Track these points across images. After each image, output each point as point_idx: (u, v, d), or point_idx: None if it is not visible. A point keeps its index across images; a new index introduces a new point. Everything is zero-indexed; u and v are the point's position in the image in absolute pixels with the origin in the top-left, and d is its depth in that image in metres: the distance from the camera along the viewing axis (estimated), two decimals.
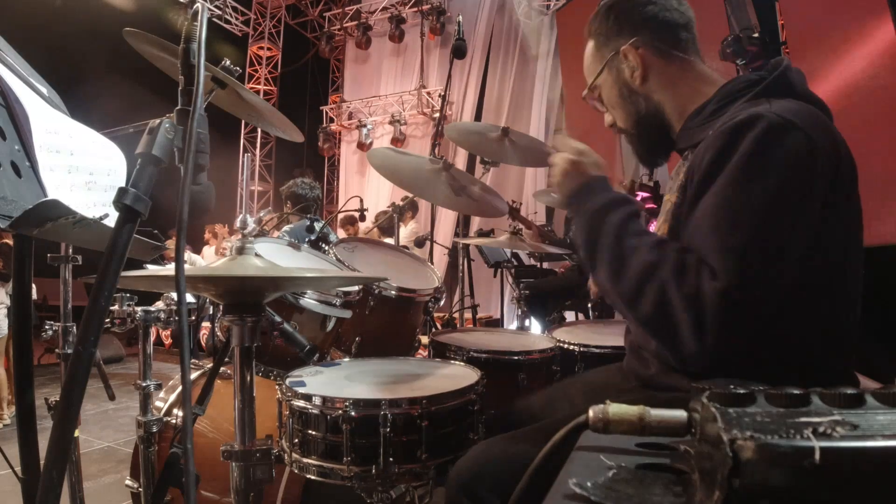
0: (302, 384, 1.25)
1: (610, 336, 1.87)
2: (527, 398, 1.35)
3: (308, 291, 1.55)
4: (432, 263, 2.47)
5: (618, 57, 1.12)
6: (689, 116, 1.08)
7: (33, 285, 0.98)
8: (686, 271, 0.85)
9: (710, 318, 0.81)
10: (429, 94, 8.84)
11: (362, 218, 3.52)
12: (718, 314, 0.81)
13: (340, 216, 5.78)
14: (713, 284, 0.82)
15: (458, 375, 1.36)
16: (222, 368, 1.59)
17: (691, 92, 1.09)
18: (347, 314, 1.63)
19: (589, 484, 0.44)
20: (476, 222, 6.57)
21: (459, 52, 2.52)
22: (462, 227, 3.82)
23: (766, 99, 0.95)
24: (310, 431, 1.17)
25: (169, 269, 0.96)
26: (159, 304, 1.51)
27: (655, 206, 3.28)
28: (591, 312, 3.61)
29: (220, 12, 9.24)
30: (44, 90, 0.91)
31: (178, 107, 0.71)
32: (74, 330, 1.52)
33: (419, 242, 4.01)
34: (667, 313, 0.85)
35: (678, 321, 0.83)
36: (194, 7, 0.70)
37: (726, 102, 1.02)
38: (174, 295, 1.76)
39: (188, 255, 7.53)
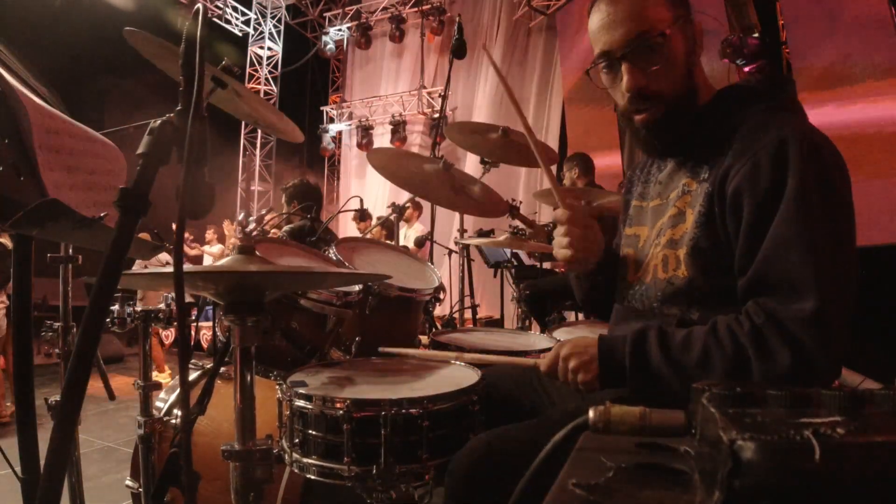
0: (302, 384, 1.25)
1: None
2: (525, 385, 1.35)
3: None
4: (432, 263, 2.47)
5: (687, 23, 1.02)
6: (688, 119, 1.04)
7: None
8: (765, 343, 0.86)
9: (815, 345, 0.83)
10: (429, 94, 8.84)
11: (363, 218, 3.52)
12: (823, 338, 0.84)
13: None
14: (805, 308, 0.84)
15: (458, 375, 1.36)
16: (222, 369, 1.58)
17: (705, 89, 1.07)
18: (348, 314, 1.63)
19: (589, 484, 0.44)
20: (476, 222, 6.57)
21: (459, 52, 2.52)
22: (461, 226, 3.81)
23: (784, 114, 0.98)
24: (310, 431, 1.17)
25: (168, 268, 0.96)
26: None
27: None
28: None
29: (220, 12, 9.24)
30: (43, 90, 0.91)
31: (179, 107, 0.71)
32: (74, 330, 1.52)
33: (419, 242, 4.01)
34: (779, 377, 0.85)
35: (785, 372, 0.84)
36: (194, 7, 0.70)
37: (728, 108, 1.03)
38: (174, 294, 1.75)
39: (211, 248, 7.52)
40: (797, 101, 1.05)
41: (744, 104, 1.02)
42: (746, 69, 4.73)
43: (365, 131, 9.29)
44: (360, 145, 9.35)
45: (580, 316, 3.89)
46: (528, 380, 1.31)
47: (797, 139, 0.90)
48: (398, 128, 8.87)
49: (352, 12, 9.58)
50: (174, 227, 0.65)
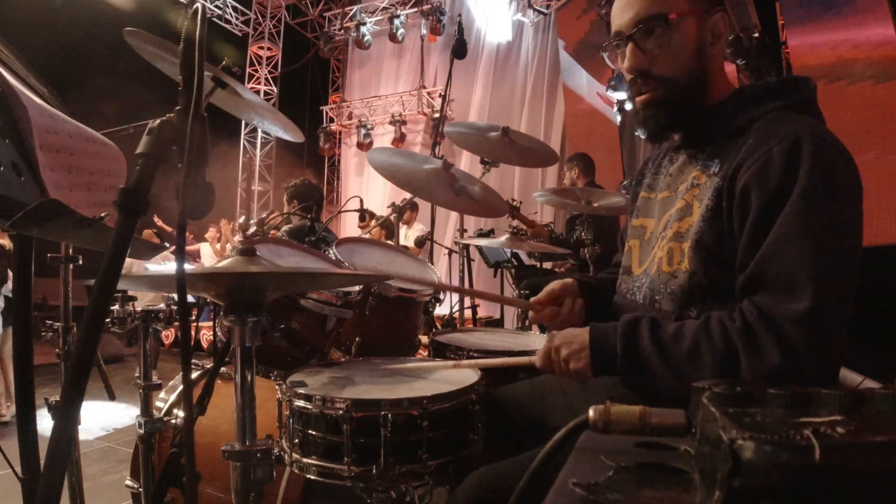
0: (302, 384, 1.25)
1: None
2: (522, 387, 1.35)
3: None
4: (432, 263, 2.47)
5: (708, 16, 1.04)
6: (707, 113, 1.06)
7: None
8: (755, 340, 0.86)
9: (807, 345, 0.83)
10: (429, 94, 8.84)
11: (362, 218, 3.52)
12: (815, 338, 0.83)
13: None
14: (799, 308, 0.83)
15: (457, 375, 1.36)
16: (222, 369, 1.58)
17: (723, 85, 1.08)
18: (348, 314, 1.63)
19: (589, 484, 0.44)
20: (476, 222, 6.57)
21: (460, 51, 2.52)
22: (461, 226, 3.81)
23: (800, 114, 0.98)
24: (310, 431, 1.17)
25: (170, 267, 0.96)
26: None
27: None
28: None
29: (220, 12, 9.24)
30: (43, 90, 0.91)
31: (178, 107, 0.70)
32: (74, 330, 1.52)
33: (419, 242, 4.01)
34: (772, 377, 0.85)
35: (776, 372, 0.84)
36: (194, 7, 0.70)
37: (745, 105, 1.03)
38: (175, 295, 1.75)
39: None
40: (815, 102, 1.03)
41: (760, 102, 1.02)
42: (745, 69, 4.73)
43: (365, 131, 9.29)
44: (360, 145, 9.35)
45: None
46: (532, 398, 1.31)
47: (811, 141, 0.90)
48: (398, 128, 8.88)
49: (351, 12, 9.59)
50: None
